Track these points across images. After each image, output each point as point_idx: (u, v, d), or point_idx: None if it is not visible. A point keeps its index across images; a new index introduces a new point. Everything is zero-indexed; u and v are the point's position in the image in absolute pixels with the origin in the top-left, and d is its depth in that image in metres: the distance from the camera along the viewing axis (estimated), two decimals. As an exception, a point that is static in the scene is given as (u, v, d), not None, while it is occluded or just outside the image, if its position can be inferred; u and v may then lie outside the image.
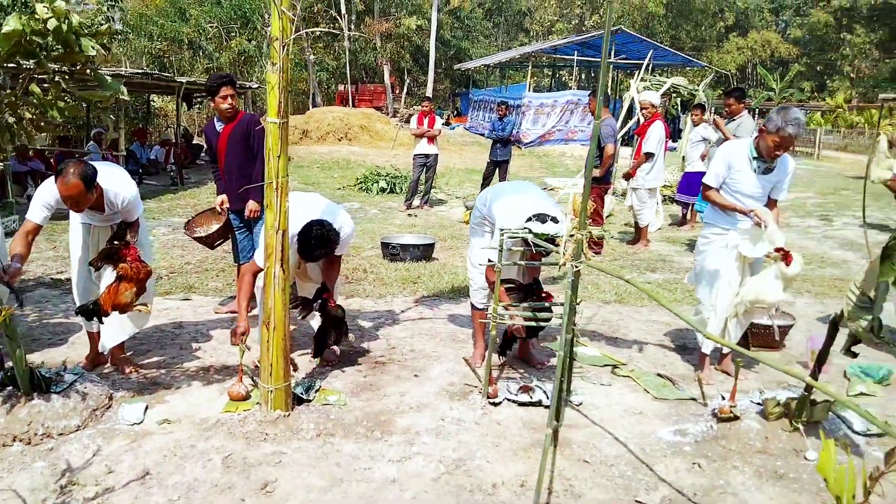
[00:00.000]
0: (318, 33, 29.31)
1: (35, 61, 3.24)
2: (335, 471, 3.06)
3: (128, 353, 4.22)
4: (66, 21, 3.18)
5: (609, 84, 25.62)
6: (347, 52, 31.88)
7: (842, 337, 3.32)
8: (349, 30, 32.35)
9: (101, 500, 2.77)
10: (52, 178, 3.52)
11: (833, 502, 2.36)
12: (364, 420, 3.53)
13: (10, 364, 3.31)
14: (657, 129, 7.96)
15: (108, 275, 3.79)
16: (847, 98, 37.48)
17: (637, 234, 8.34)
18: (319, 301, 4.11)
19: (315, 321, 4.33)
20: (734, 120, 7.24)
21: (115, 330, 3.94)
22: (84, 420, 3.35)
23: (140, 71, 13.74)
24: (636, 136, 8.49)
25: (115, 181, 3.69)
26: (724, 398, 3.64)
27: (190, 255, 7.14)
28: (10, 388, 3.33)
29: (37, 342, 4.53)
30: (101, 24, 3.81)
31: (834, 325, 3.20)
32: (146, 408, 3.56)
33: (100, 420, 3.43)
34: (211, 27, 29.91)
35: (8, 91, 3.24)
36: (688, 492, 2.98)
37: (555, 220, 3.58)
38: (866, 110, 32.47)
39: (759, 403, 3.67)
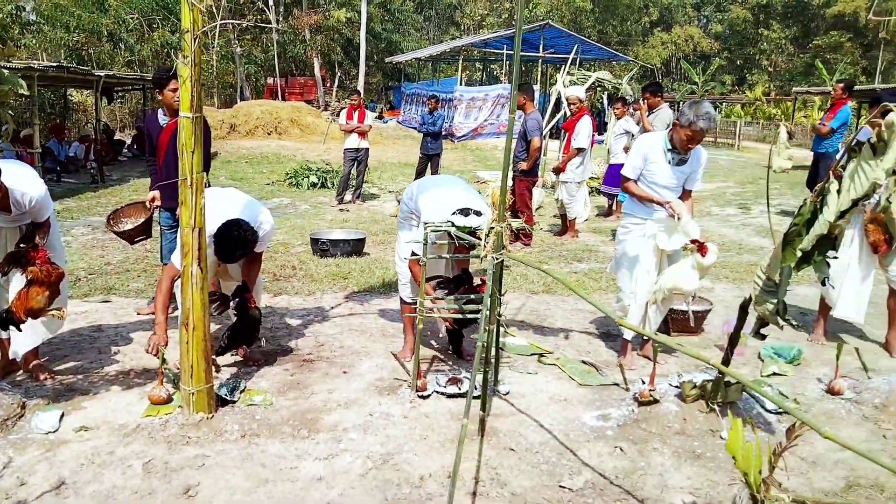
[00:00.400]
0: (245, 25, 28.64)
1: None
2: (260, 471, 3.02)
3: (43, 359, 4.05)
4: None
5: (539, 78, 26.02)
6: (276, 45, 31.28)
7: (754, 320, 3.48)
8: (277, 22, 31.76)
9: (11, 514, 2.66)
10: None
11: (742, 479, 2.47)
12: (290, 419, 3.49)
13: None
14: (585, 124, 8.15)
15: (18, 279, 3.62)
16: (765, 91, 39.10)
17: (564, 226, 8.50)
18: (238, 300, 4.02)
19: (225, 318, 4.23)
20: (652, 112, 7.46)
21: (27, 335, 3.76)
22: (-8, 431, 3.20)
23: (55, 64, 13.12)
24: (564, 131, 8.64)
25: (22, 180, 3.52)
26: (644, 382, 3.76)
27: (110, 256, 6.88)
28: None
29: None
30: (13, 17, 3.62)
31: (743, 309, 3.35)
32: (62, 415, 3.42)
33: (11, 430, 3.28)
34: (132, 19, 28.81)
35: None
36: (610, 474, 3.06)
37: (478, 213, 3.62)
38: (783, 102, 33.97)
39: (677, 386, 3.81)
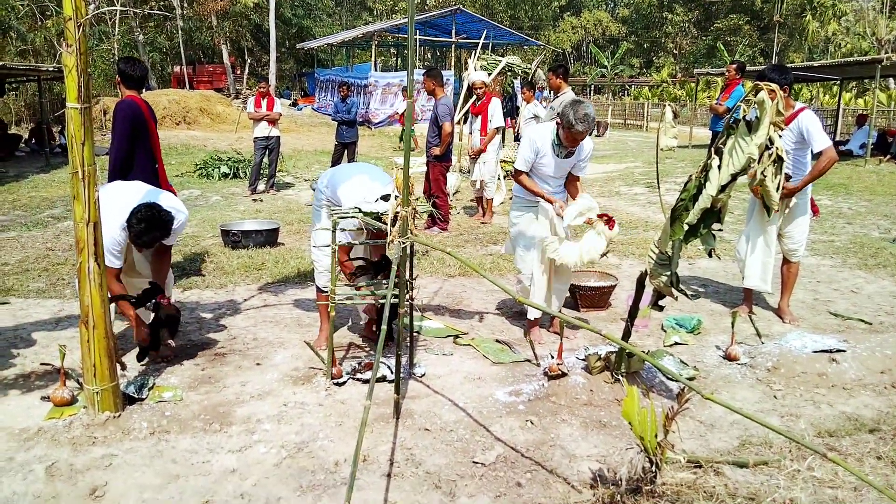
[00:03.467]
0: (147, 12, 27.44)
1: None
2: (171, 467, 2.97)
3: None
4: None
5: (453, 63, 26.12)
6: (181, 32, 30.15)
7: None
8: (181, 8, 30.61)
9: None
10: None
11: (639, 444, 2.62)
12: (202, 413, 3.43)
13: None
14: (499, 105, 8.38)
15: None
16: (671, 73, 40.64)
17: (483, 207, 8.68)
18: (153, 303, 3.92)
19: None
20: (558, 96, 7.63)
21: None
22: None
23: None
24: (474, 115, 8.77)
25: None
26: (552, 357, 3.89)
27: (7, 255, 6.53)
28: None
29: None
30: None
31: (640, 282, 3.51)
32: (-46, 424, 3.26)
33: None
34: (22, 6, 27.10)
35: None
36: (521, 447, 3.17)
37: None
38: (687, 84, 35.39)
39: (583, 359, 3.96)
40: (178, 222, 3.87)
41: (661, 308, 3.57)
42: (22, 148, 16.95)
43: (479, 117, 8.64)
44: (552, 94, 8.10)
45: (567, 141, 4.13)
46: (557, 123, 4.13)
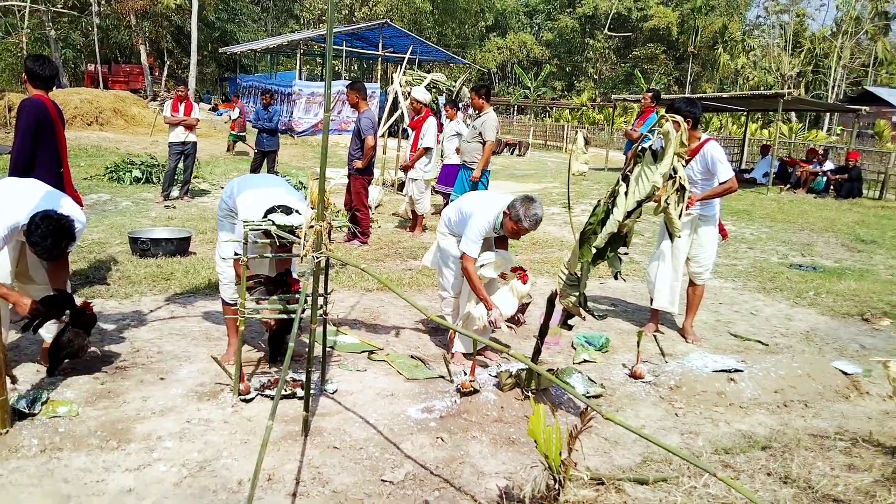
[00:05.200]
0: (58, 10, 26.23)
1: None
2: (62, 487, 2.81)
3: None
4: None
5: (379, 76, 26.14)
6: (96, 29, 28.95)
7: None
8: (98, 5, 29.41)
9: None
10: None
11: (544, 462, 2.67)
12: (99, 430, 3.27)
13: None
14: (432, 125, 8.54)
15: None
16: (591, 97, 41.98)
17: (414, 222, 8.77)
18: (70, 311, 3.74)
19: (46, 331, 3.87)
20: (480, 116, 7.76)
21: None
22: None
23: None
24: (411, 130, 8.94)
25: None
26: (465, 374, 3.92)
27: None
28: None
29: None
30: None
31: (550, 301, 3.59)
32: None
33: None
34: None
35: None
36: (430, 465, 3.17)
37: (298, 212, 3.60)
38: (605, 108, 36.65)
39: (495, 376, 4.01)
40: (78, 228, 3.68)
41: (569, 327, 3.66)
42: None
43: (414, 133, 8.80)
44: (475, 112, 8.23)
45: (509, 233, 4.10)
46: (504, 213, 4.06)
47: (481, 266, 4.19)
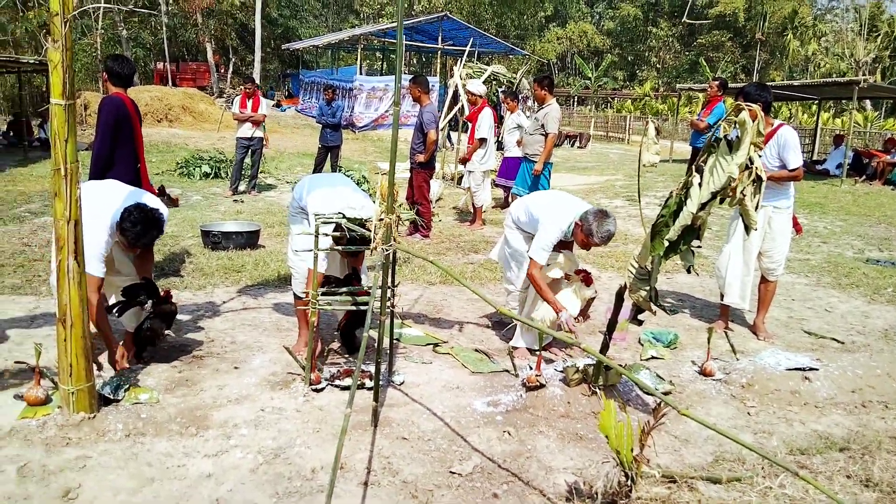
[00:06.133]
0: (131, 8, 27.17)
1: None
2: (146, 470, 2.94)
3: None
4: None
5: (438, 70, 26.17)
6: (165, 28, 29.91)
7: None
8: (166, 4, 30.35)
9: None
10: None
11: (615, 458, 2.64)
12: (178, 417, 3.41)
13: None
14: (487, 116, 8.49)
15: None
16: (654, 87, 41.05)
17: (474, 215, 8.76)
18: (153, 299, 3.92)
19: (129, 319, 4.06)
20: (543, 108, 7.69)
21: None
22: None
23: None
24: (468, 123, 8.92)
25: None
26: (531, 368, 3.91)
27: (-20, 251, 6.43)
28: None
29: None
30: None
31: (619, 296, 3.55)
32: (-78, 423, 3.20)
33: None
34: (3, -5, 26.74)
35: None
36: (498, 458, 3.18)
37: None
38: (669, 98, 35.79)
39: (561, 371, 3.99)
40: (164, 223, 3.88)
41: (639, 322, 3.61)
42: (0, 140, 16.71)
43: (471, 126, 8.80)
44: (536, 104, 8.17)
45: (579, 243, 4.08)
46: (577, 224, 4.03)
47: (546, 266, 4.17)
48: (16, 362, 3.90)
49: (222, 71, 32.49)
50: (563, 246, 4.34)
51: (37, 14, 26.40)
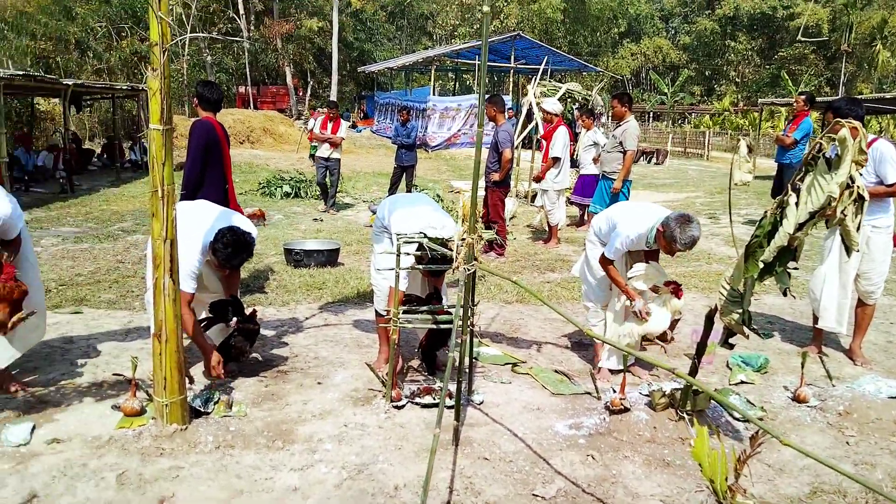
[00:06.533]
0: (214, 36, 28.49)
1: None
2: (235, 482, 3.02)
3: (12, 371, 3.99)
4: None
5: (510, 88, 26.24)
6: (247, 53, 31.14)
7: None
8: (248, 31, 31.62)
9: (-19, 530, 2.63)
10: None
11: (709, 486, 2.55)
12: (265, 430, 3.49)
13: None
14: (562, 135, 8.43)
15: None
16: (733, 102, 39.93)
17: (549, 234, 8.71)
18: (240, 317, 4.06)
19: (214, 334, 4.21)
20: (620, 125, 7.58)
21: (3, 350, 3.74)
22: (-39, 446, 3.16)
23: (21, 72, 12.93)
24: (543, 140, 8.88)
25: None
26: (615, 391, 3.83)
27: (80, 266, 6.80)
28: None
29: None
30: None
31: (709, 318, 3.43)
32: (33, 428, 3.39)
33: (-21, 445, 3.23)
34: (100, 27, 28.48)
35: None
36: (582, 483, 3.12)
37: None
38: (749, 113, 34.69)
39: (647, 395, 3.89)
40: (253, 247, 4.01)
41: (731, 346, 3.48)
42: (94, 162, 17.71)
43: (545, 144, 8.77)
44: (614, 121, 8.08)
45: (662, 249, 3.97)
46: (659, 230, 3.91)
47: (632, 278, 4.09)
48: (113, 374, 4.10)
49: (300, 94, 33.55)
50: (648, 256, 4.24)
51: (129, 43, 28.05)
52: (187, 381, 3.61)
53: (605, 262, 4.11)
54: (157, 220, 3.26)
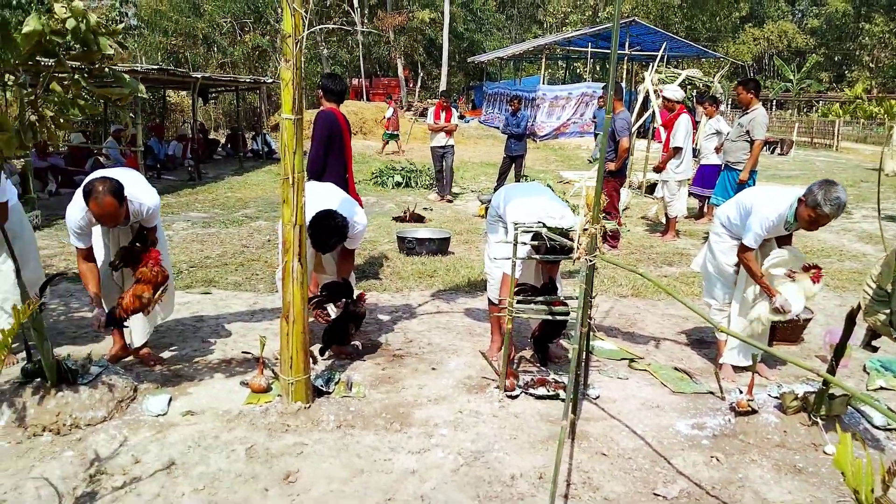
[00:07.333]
0: (328, 29, 29.35)
1: (55, 60, 3.29)
2: (356, 462, 3.11)
3: (150, 347, 4.29)
4: (84, 20, 3.22)
5: (624, 76, 25.51)
6: (361, 46, 31.91)
7: (860, 330, 3.32)
8: (362, 24, 32.35)
9: (129, 490, 2.83)
10: (76, 201, 3.58)
11: (851, 497, 2.37)
12: (383, 412, 3.57)
13: (37, 356, 3.38)
14: (684, 123, 8.10)
15: (129, 277, 3.90)
16: (866, 88, 37.01)
17: (667, 226, 8.42)
18: (346, 300, 4.17)
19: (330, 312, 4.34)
20: (747, 113, 7.18)
21: (144, 326, 4.04)
22: (110, 411, 3.42)
23: (156, 67, 13.84)
24: (663, 129, 8.58)
25: (138, 190, 3.72)
26: (741, 392, 3.65)
27: (209, 250, 7.22)
28: (38, 379, 3.40)
29: (62, 335, 4.60)
30: (116, 22, 3.87)
31: (850, 319, 3.20)
32: (170, 399, 3.62)
33: (125, 411, 3.49)
34: (225, 22, 30.03)
35: (29, 90, 3.28)
36: (706, 485, 2.99)
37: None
38: (886, 100, 32.13)
39: (776, 397, 3.68)
40: (353, 230, 4.06)
41: (874, 349, 3.23)
42: (219, 152, 18.72)
43: (666, 133, 8.46)
44: (734, 110, 7.67)
45: (805, 222, 3.70)
46: (800, 200, 3.68)
47: (771, 265, 3.86)
48: (242, 352, 4.31)
49: (411, 85, 34.02)
50: (781, 243, 4.00)
51: (251, 38, 29.41)
52: (311, 361, 3.75)
53: (743, 251, 3.89)
54: (287, 206, 3.38)
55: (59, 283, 5.79)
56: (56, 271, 6.07)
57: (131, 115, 12.12)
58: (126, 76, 3.38)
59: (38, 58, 3.33)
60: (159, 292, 3.78)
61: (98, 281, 3.78)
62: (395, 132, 18.49)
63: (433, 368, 4.18)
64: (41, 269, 4.33)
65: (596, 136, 17.87)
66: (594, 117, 18.77)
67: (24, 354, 3.72)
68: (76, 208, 3.61)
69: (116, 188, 3.47)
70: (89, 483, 2.88)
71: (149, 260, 3.74)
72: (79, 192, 3.55)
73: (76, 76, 3.43)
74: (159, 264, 3.75)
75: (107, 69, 3.43)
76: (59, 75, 3.50)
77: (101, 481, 2.89)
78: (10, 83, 3.23)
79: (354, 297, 4.25)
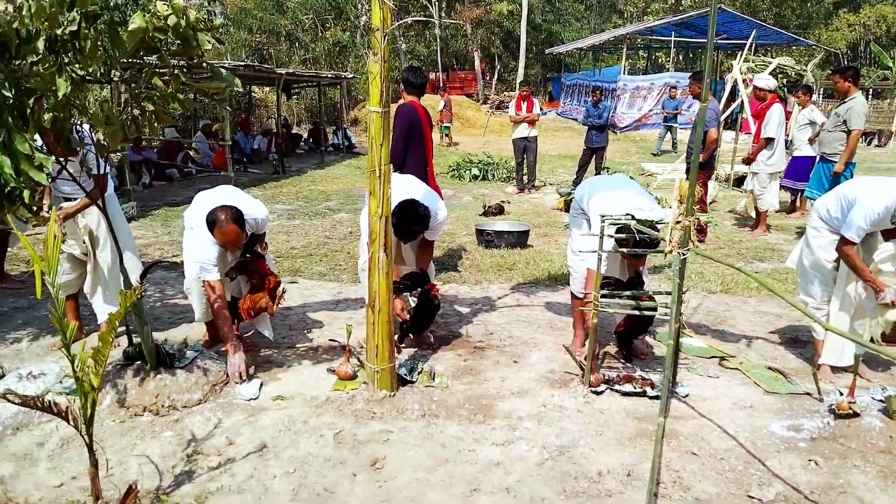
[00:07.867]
0: (409, 22, 29.61)
1: (157, 56, 3.43)
2: (440, 451, 3.12)
3: (241, 333, 4.43)
4: (185, 17, 3.35)
5: (708, 65, 24.66)
6: (438, 40, 32.03)
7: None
8: (440, 17, 32.46)
9: (224, 470, 2.94)
10: (202, 236, 3.78)
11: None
12: (466, 403, 3.58)
13: (137, 340, 3.55)
14: (776, 113, 7.77)
15: (244, 284, 4.17)
16: (973, 75, 34.49)
17: (757, 220, 8.10)
18: (420, 290, 4.20)
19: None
20: (845, 102, 6.80)
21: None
22: (205, 394, 3.56)
23: (243, 63, 14.31)
24: (752, 120, 8.24)
25: (249, 208, 3.91)
26: (842, 394, 3.46)
27: (294, 241, 7.41)
28: (138, 362, 3.58)
29: (158, 321, 4.82)
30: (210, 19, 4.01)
31: (971, 319, 2.98)
32: (261, 384, 3.74)
33: (219, 395, 3.63)
34: (307, 19, 30.72)
35: (133, 85, 3.43)
36: (804, 489, 2.86)
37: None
38: None
39: (881, 400, 3.48)
40: (435, 220, 4.08)
41: None
42: (301, 146, 19.19)
43: (757, 123, 8.13)
44: (826, 99, 7.28)
45: None
46: None
47: (881, 261, 3.64)
48: (329, 340, 4.41)
49: (487, 78, 33.94)
50: (890, 235, 3.77)
51: (332, 34, 29.98)
52: (395, 350, 3.79)
53: (845, 245, 3.68)
54: (374, 197, 3.43)
55: (155, 271, 6.07)
56: (151, 260, 6.36)
57: (228, 108, 12.58)
58: (222, 70, 3.50)
59: (141, 54, 3.49)
60: (278, 296, 4.05)
61: (231, 322, 3.95)
62: (449, 124, 18.58)
63: (515, 361, 4.16)
64: (138, 257, 4.55)
65: (670, 128, 17.39)
66: (663, 108, 18.25)
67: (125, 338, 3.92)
68: (206, 243, 3.79)
69: (237, 215, 3.67)
70: (187, 462, 3.00)
71: (259, 269, 4.03)
72: (195, 230, 3.85)
73: (176, 71, 3.58)
74: (271, 273, 4.04)
75: (205, 64, 3.56)
76: (160, 71, 3.66)
77: (198, 461, 3.01)
78: (115, 79, 3.38)
79: (426, 287, 4.26)
